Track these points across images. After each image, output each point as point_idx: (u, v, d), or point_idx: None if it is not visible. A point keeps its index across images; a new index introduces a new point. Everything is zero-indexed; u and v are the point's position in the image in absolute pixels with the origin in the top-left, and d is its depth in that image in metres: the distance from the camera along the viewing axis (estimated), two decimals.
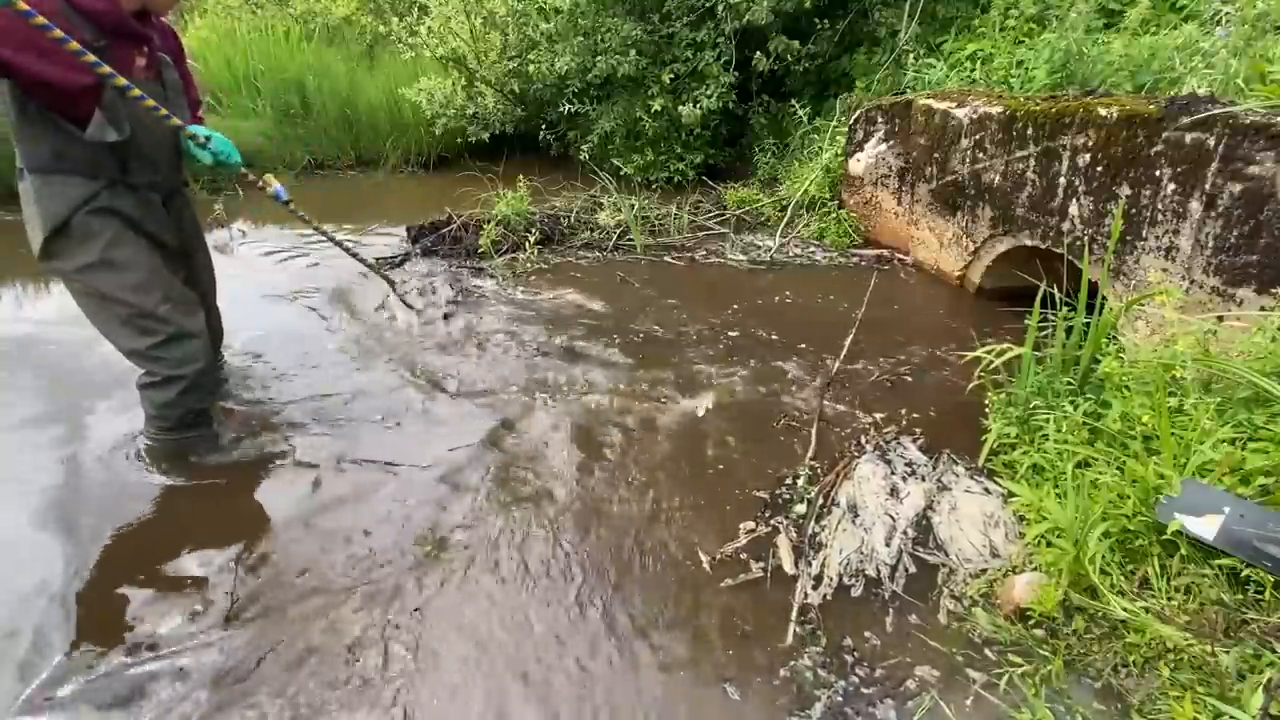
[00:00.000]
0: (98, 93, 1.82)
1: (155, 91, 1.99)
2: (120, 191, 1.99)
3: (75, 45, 1.67)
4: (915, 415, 2.47)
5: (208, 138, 2.04)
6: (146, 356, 2.10)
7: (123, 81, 1.79)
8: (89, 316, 2.10)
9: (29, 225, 1.95)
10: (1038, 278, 2.37)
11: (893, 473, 2.15)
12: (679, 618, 1.65)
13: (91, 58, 1.71)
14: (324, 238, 2.79)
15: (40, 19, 1.61)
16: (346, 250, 2.87)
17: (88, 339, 2.87)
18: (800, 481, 2.12)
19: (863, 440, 2.33)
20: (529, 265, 4.11)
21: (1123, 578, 1.55)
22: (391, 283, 3.39)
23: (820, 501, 2.02)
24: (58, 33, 1.64)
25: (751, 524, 1.96)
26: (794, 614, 1.65)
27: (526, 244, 4.24)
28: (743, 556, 1.84)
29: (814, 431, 2.36)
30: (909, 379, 2.74)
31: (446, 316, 3.35)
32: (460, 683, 1.49)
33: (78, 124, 1.84)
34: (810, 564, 1.80)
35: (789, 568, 1.78)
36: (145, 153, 2.02)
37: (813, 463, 2.21)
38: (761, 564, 1.81)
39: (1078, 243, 2.78)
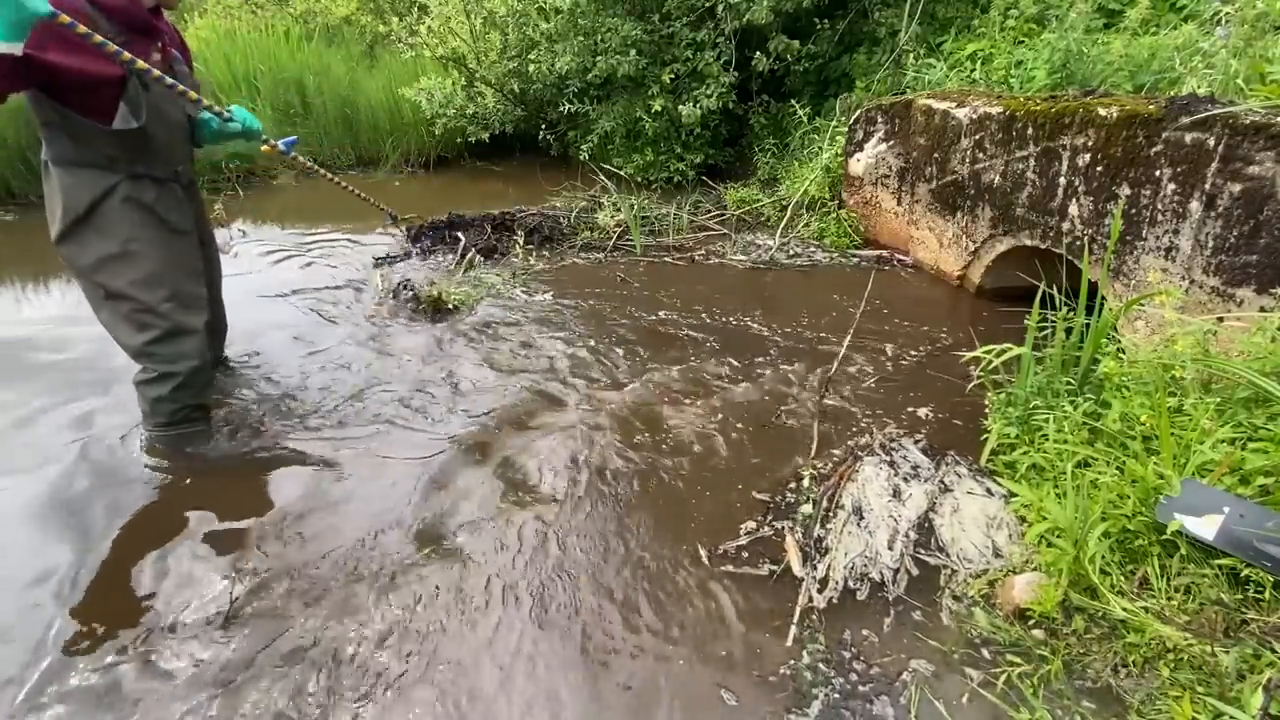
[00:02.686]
0: (120, 86, 1.89)
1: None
2: (143, 183, 2.04)
3: (111, 46, 1.73)
4: (916, 415, 2.47)
5: (229, 110, 2.14)
6: (142, 352, 2.13)
7: (143, 65, 1.84)
8: (94, 310, 2.13)
9: (51, 214, 2.00)
10: (1037, 278, 2.37)
11: (895, 474, 2.15)
12: (677, 616, 1.65)
13: (112, 47, 1.74)
14: (338, 184, 2.97)
15: (81, 28, 1.65)
16: (354, 192, 3.07)
17: (88, 336, 2.88)
18: (805, 482, 2.12)
19: (865, 441, 2.33)
20: (529, 265, 4.11)
21: (1122, 578, 1.55)
22: (394, 216, 3.58)
23: (826, 504, 2.02)
24: (97, 38, 1.70)
25: (753, 524, 1.96)
26: (796, 616, 1.65)
27: (517, 245, 4.27)
28: (745, 555, 1.84)
29: (815, 432, 2.36)
30: (909, 379, 2.74)
31: (443, 314, 3.35)
32: (459, 680, 1.49)
33: (99, 118, 1.89)
34: (816, 567, 1.80)
35: (797, 570, 1.78)
36: (161, 145, 2.07)
37: (815, 463, 2.21)
38: (767, 564, 1.81)
39: (1077, 243, 2.78)
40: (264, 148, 2.42)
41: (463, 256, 4.17)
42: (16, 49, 1.62)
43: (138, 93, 1.93)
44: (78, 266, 2.03)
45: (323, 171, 2.87)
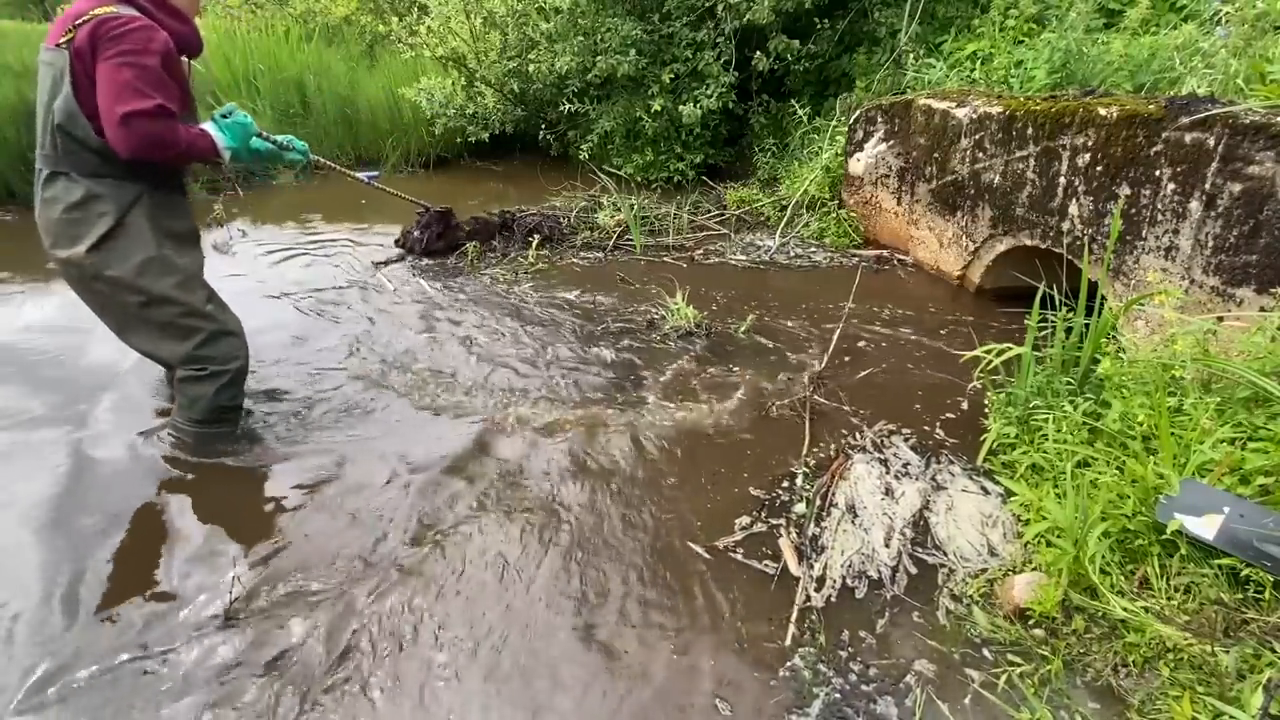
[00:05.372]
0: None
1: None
2: (159, 194, 2.07)
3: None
4: (915, 414, 2.47)
5: (229, 113, 2.14)
6: (193, 357, 2.14)
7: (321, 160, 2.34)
8: (124, 324, 2.12)
9: (73, 226, 1.98)
10: (1037, 278, 2.37)
11: (887, 471, 2.15)
12: (674, 616, 1.65)
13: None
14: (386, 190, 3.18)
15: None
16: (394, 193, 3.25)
17: (89, 336, 2.88)
18: (799, 480, 2.12)
19: (859, 439, 2.33)
20: (530, 265, 4.11)
21: (1122, 578, 1.55)
22: (426, 208, 3.86)
23: (819, 502, 2.02)
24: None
25: (747, 519, 1.96)
26: (794, 615, 1.65)
27: (515, 249, 4.24)
28: (740, 552, 1.84)
29: (806, 429, 2.36)
30: (908, 378, 2.74)
31: (445, 314, 3.35)
32: (458, 680, 1.49)
33: None
34: (812, 566, 1.80)
35: (794, 570, 1.78)
36: None
37: (808, 460, 2.21)
38: (765, 562, 1.81)
39: (1077, 242, 2.78)
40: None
41: (467, 255, 4.17)
42: (227, 153, 2.09)
43: (187, 114, 2.01)
44: (117, 275, 2.00)
45: (360, 177, 3.02)
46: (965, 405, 2.50)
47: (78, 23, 1.81)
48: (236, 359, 2.21)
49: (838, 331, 3.08)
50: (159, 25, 1.89)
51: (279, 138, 2.45)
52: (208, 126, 2.06)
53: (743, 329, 3.14)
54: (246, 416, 2.42)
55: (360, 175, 2.89)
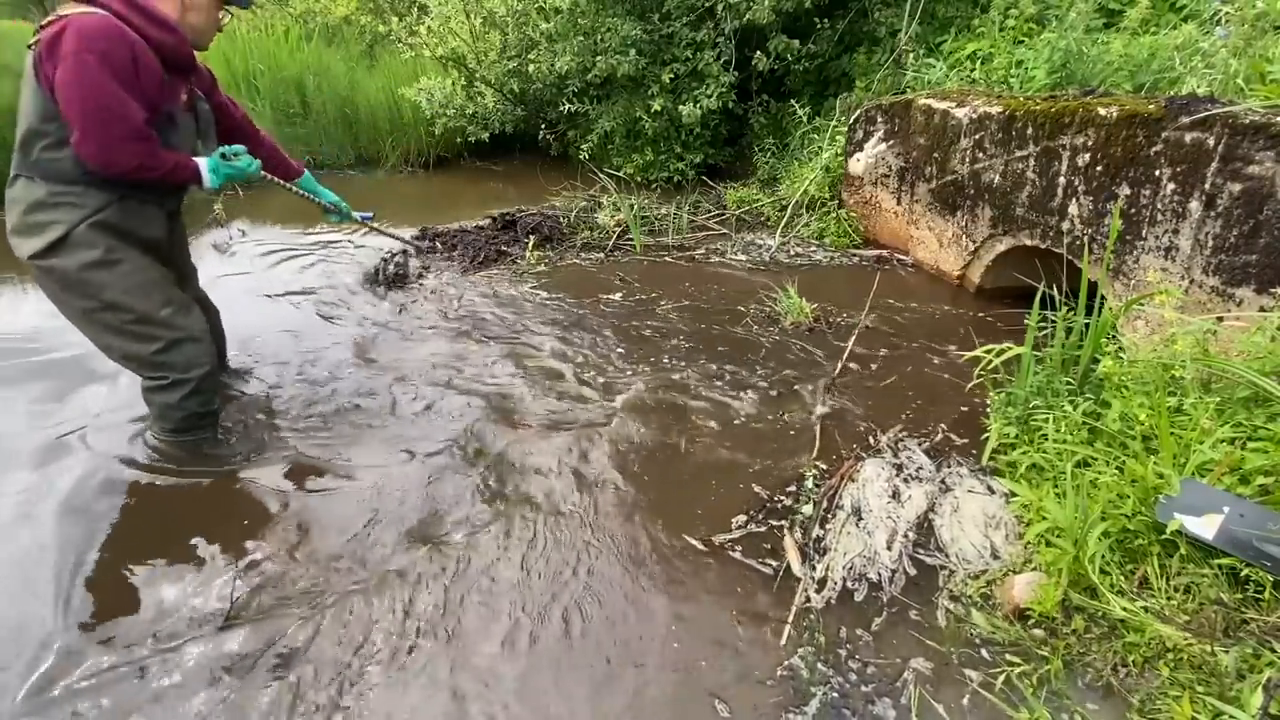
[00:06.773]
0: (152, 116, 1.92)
1: (189, 122, 2.13)
2: (129, 205, 2.02)
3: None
4: (916, 415, 2.47)
5: (236, 154, 2.11)
6: (151, 363, 2.10)
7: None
8: (84, 328, 2.08)
9: (25, 228, 1.94)
10: (1037, 278, 2.37)
11: (896, 474, 2.15)
12: (673, 616, 1.65)
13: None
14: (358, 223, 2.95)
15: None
16: (374, 228, 3.11)
17: (81, 337, 2.87)
18: (808, 484, 2.12)
19: (869, 441, 2.33)
20: (530, 266, 4.11)
21: (1122, 577, 1.55)
22: (414, 245, 3.73)
23: (825, 504, 2.02)
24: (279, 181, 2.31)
25: (744, 517, 1.96)
26: (792, 616, 1.65)
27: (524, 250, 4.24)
28: (739, 551, 1.84)
29: (817, 433, 2.36)
30: (909, 378, 2.74)
31: (445, 314, 3.35)
32: (457, 681, 1.49)
33: None
34: (814, 567, 1.80)
35: (797, 570, 1.78)
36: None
37: (818, 464, 2.21)
38: (766, 562, 1.81)
39: (1077, 242, 2.78)
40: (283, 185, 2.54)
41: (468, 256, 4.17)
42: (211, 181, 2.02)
43: (166, 129, 1.97)
44: (64, 280, 1.97)
45: (291, 188, 2.78)
46: (968, 406, 2.50)
47: (44, 22, 1.78)
48: (199, 366, 2.15)
49: (852, 337, 3.07)
50: (132, 29, 1.82)
51: (327, 196, 2.55)
52: (201, 162, 2.01)
53: (865, 322, 3.19)
54: (256, 421, 2.42)
55: (357, 215, 2.75)
